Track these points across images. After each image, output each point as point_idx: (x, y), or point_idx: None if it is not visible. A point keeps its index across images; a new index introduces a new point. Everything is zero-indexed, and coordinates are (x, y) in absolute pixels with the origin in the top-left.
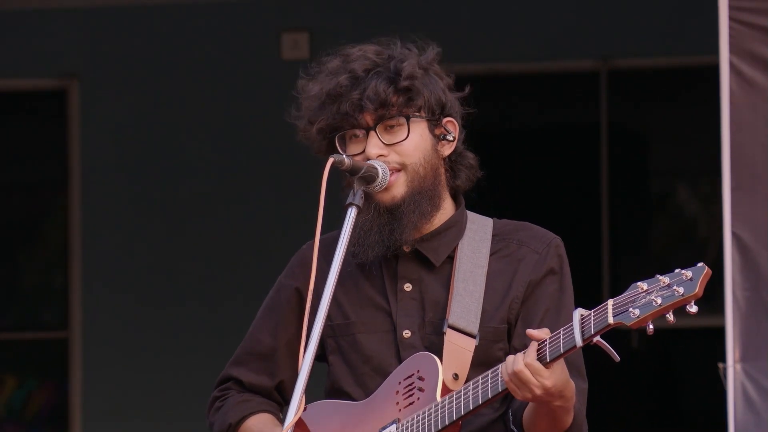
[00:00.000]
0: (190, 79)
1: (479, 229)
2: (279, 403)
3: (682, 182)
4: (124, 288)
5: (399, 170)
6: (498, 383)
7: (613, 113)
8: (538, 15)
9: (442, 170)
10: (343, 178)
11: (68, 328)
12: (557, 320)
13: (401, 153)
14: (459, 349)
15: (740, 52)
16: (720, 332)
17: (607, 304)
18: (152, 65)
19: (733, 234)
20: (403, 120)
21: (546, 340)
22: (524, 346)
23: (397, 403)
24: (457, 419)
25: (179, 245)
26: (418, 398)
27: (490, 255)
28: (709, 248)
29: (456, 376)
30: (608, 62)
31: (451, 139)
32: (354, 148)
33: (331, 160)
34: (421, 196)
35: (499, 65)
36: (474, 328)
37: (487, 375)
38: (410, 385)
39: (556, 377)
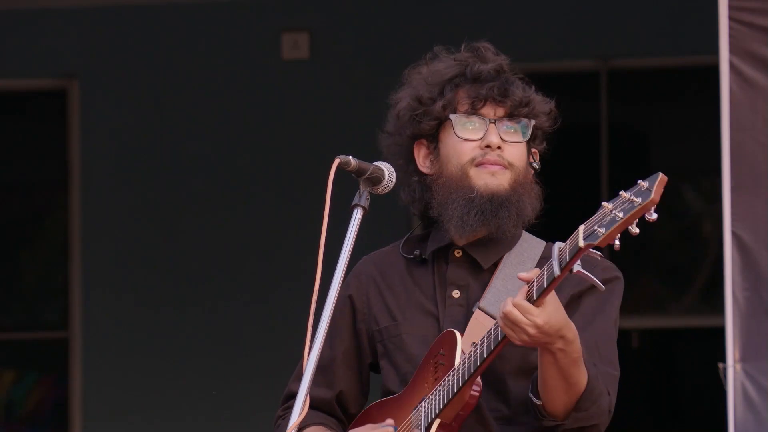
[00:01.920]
0: (190, 79)
1: (529, 247)
2: (340, 419)
3: (682, 182)
4: (124, 288)
5: (506, 168)
6: (498, 334)
7: (613, 113)
8: (538, 15)
9: (532, 190)
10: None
11: (68, 327)
12: (592, 321)
13: (512, 154)
14: (480, 325)
15: (740, 52)
16: (720, 332)
17: (578, 230)
18: (152, 65)
19: (733, 234)
20: (518, 127)
21: (533, 279)
22: None
23: (426, 383)
24: (470, 377)
25: (179, 245)
26: (443, 372)
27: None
28: (710, 248)
29: (474, 345)
30: (608, 62)
31: (536, 167)
32: (467, 133)
33: (337, 161)
34: (521, 203)
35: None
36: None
37: (490, 330)
38: (435, 363)
39: (548, 314)
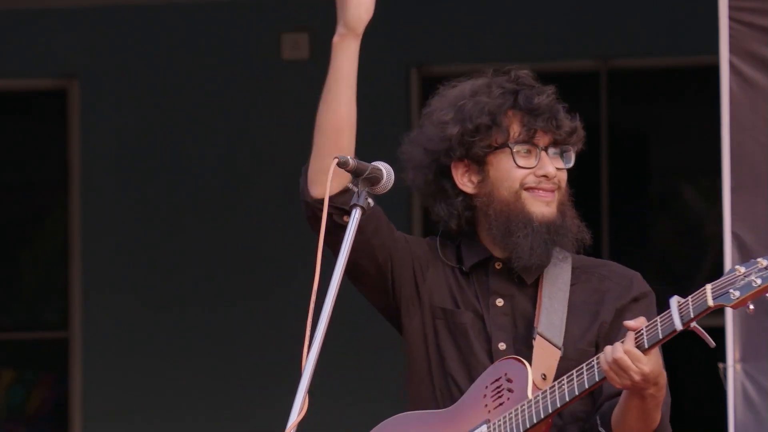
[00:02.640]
0: (190, 79)
1: (562, 258)
2: None
3: (683, 182)
4: (124, 288)
5: (555, 190)
6: (595, 374)
7: (613, 113)
8: (538, 15)
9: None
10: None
11: (68, 327)
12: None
13: (561, 180)
14: (546, 355)
15: (740, 52)
16: (720, 332)
17: (705, 289)
18: (152, 65)
19: (733, 234)
20: (564, 154)
21: (643, 329)
22: None
23: (486, 405)
24: (553, 411)
25: (179, 245)
26: (508, 398)
27: (572, 285)
28: (710, 248)
29: (544, 377)
30: (608, 62)
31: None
32: (523, 161)
33: (335, 161)
34: (571, 224)
35: (499, 65)
36: (559, 341)
37: (582, 368)
38: (498, 387)
39: (653, 363)
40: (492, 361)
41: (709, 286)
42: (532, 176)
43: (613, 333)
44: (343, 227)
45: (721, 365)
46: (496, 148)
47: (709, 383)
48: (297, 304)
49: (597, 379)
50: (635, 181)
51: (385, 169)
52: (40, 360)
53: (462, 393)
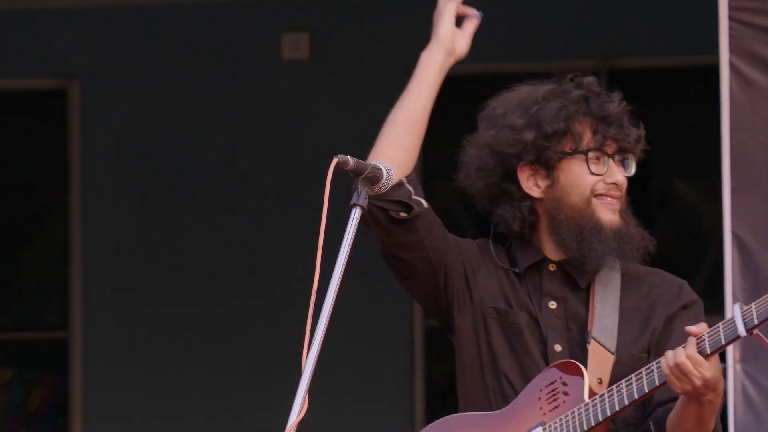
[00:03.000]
0: (190, 79)
1: (610, 266)
2: None
3: (683, 182)
4: (124, 288)
5: (618, 198)
6: (655, 378)
7: None
8: (538, 15)
9: None
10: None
11: (68, 327)
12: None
13: (624, 186)
14: (600, 359)
15: (740, 52)
16: None
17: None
18: (152, 65)
19: (733, 234)
20: (629, 161)
21: (704, 334)
22: None
23: (541, 408)
24: (612, 414)
25: (179, 245)
26: (564, 401)
27: (622, 290)
28: (710, 249)
29: (600, 381)
30: (608, 62)
31: None
32: (596, 168)
33: (335, 161)
34: (634, 229)
35: (499, 65)
36: (612, 346)
37: (641, 372)
38: (553, 390)
39: (714, 369)
40: (547, 363)
41: None
42: (602, 183)
43: (664, 339)
44: (402, 223)
45: (721, 365)
46: (569, 154)
47: None
48: (297, 304)
49: (657, 384)
50: (635, 180)
51: (385, 169)
52: (40, 360)
53: (516, 392)
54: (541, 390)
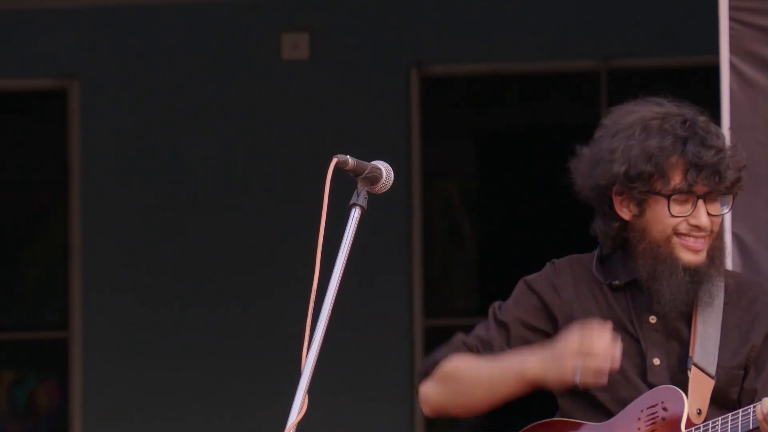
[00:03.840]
0: (190, 79)
1: (716, 281)
2: None
3: None
4: (124, 288)
5: (706, 237)
6: (750, 421)
7: None
8: (538, 15)
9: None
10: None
11: (68, 328)
12: None
13: (715, 224)
14: (701, 387)
15: (740, 52)
16: None
17: None
18: (152, 65)
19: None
20: (723, 202)
21: None
22: (753, 390)
23: (639, 428)
24: None
25: (179, 245)
26: (661, 426)
27: (725, 304)
28: None
29: (699, 411)
30: (608, 62)
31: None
32: (678, 210)
33: (335, 161)
34: (715, 265)
35: (499, 65)
36: (713, 370)
37: (738, 413)
38: (653, 414)
39: None
40: (645, 377)
41: None
42: (685, 223)
43: (762, 357)
44: None
45: None
46: (655, 194)
47: None
48: (297, 304)
49: (750, 427)
50: None
51: (385, 169)
52: (40, 360)
53: (605, 409)
54: (642, 411)
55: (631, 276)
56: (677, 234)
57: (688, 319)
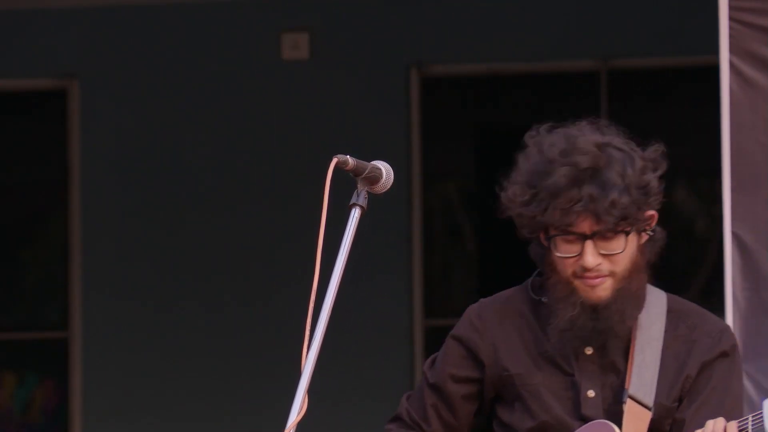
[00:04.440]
0: (190, 79)
1: (655, 302)
2: None
3: (682, 182)
4: (124, 288)
5: (606, 276)
6: None
7: (613, 113)
8: (537, 15)
9: (642, 262)
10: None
11: (68, 328)
12: (723, 399)
13: (614, 262)
14: (636, 420)
15: (740, 52)
16: None
17: None
18: (152, 65)
19: (733, 234)
20: (615, 240)
21: (749, 418)
22: (681, 420)
23: None
24: None
25: (179, 245)
26: None
27: (665, 332)
28: (709, 248)
29: None
30: (608, 62)
31: (651, 233)
32: (566, 249)
33: (335, 161)
34: (624, 301)
35: (499, 65)
36: (650, 401)
37: None
38: None
39: None
40: (580, 410)
41: None
42: (578, 265)
43: (695, 388)
44: None
45: None
46: (546, 237)
47: None
48: (297, 304)
49: None
50: None
51: (385, 169)
52: (40, 360)
53: None
54: None
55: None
56: (576, 278)
57: (627, 351)
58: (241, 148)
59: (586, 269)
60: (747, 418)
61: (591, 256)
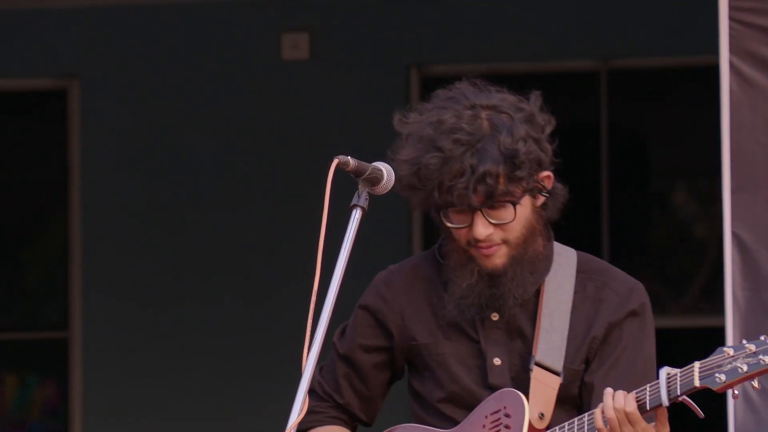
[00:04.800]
0: (190, 79)
1: (565, 262)
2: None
3: (682, 182)
4: (124, 288)
5: (500, 244)
6: (590, 428)
7: (613, 113)
8: (538, 15)
9: (539, 224)
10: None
11: (68, 328)
12: (635, 360)
13: (506, 230)
14: (544, 387)
15: (740, 52)
16: (720, 332)
17: (693, 367)
18: (152, 65)
19: (733, 234)
20: (503, 210)
21: (646, 388)
22: (591, 384)
23: None
24: None
25: (179, 245)
26: None
27: (574, 293)
28: (709, 248)
29: (542, 416)
30: (608, 62)
31: (546, 194)
32: (457, 219)
33: (336, 162)
34: (522, 267)
35: (499, 65)
36: (559, 366)
37: (582, 418)
38: (497, 420)
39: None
40: (487, 379)
41: (697, 365)
42: (471, 236)
43: (603, 350)
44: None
45: None
46: (435, 207)
47: None
48: (297, 305)
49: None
50: (635, 181)
51: (386, 170)
52: (40, 360)
53: (453, 421)
54: (486, 417)
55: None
56: (468, 245)
57: (534, 316)
58: (241, 148)
59: (477, 240)
60: (645, 389)
61: (481, 227)
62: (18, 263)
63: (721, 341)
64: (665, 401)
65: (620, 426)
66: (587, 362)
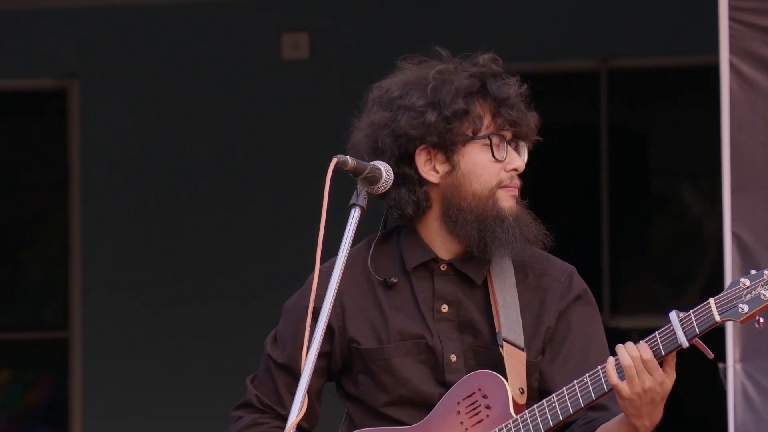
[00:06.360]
0: (190, 79)
1: (501, 255)
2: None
3: (682, 182)
4: (124, 288)
5: (518, 186)
6: (602, 384)
7: (613, 113)
8: (537, 15)
9: None
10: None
11: (68, 327)
12: (587, 348)
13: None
14: (516, 363)
15: (740, 52)
16: (720, 332)
17: (708, 303)
18: (152, 65)
19: (733, 234)
20: (525, 148)
21: (656, 335)
22: (551, 376)
23: (462, 422)
24: (555, 424)
25: (179, 245)
26: (487, 415)
27: (516, 283)
28: (710, 248)
29: (522, 390)
30: (608, 62)
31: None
32: (499, 155)
33: (334, 161)
34: (527, 216)
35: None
36: (521, 342)
37: (584, 379)
38: (473, 403)
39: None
40: (444, 373)
41: (712, 300)
42: (504, 172)
43: (556, 339)
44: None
45: (721, 365)
46: (471, 138)
47: (709, 383)
48: None
49: (605, 389)
50: (635, 181)
51: (384, 169)
52: (39, 360)
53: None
54: (459, 403)
55: (422, 259)
56: (501, 187)
57: (485, 304)
58: (241, 147)
59: (517, 170)
60: (654, 335)
61: (520, 160)
62: (18, 263)
63: (721, 341)
64: (684, 342)
65: (638, 374)
66: (543, 352)
